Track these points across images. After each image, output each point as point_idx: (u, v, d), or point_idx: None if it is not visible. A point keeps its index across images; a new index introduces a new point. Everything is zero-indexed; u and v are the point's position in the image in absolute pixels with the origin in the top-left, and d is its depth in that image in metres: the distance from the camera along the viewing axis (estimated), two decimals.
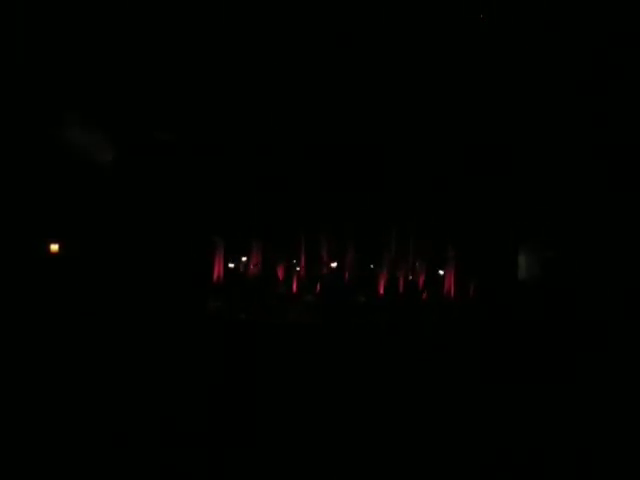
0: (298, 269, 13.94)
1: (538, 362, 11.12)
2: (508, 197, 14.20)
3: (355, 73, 14.40)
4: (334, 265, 14.15)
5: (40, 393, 9.13)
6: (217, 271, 13.66)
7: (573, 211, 14.00)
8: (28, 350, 10.60)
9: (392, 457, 8.01)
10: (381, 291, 13.69)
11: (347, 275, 13.97)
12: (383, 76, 14.38)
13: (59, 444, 7.87)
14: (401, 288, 13.75)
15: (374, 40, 14.44)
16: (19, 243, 13.10)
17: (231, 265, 13.92)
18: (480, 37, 14.51)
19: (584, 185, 14.05)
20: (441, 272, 13.80)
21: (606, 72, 14.02)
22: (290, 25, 14.43)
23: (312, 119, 14.34)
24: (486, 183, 14.26)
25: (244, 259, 14.04)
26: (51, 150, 13.77)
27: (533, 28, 14.25)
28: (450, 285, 13.72)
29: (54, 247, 13.27)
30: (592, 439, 8.56)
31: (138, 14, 14.15)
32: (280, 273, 13.84)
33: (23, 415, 8.48)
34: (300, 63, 14.34)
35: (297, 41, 14.42)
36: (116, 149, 14.03)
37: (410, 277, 13.92)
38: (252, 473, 7.50)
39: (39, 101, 13.85)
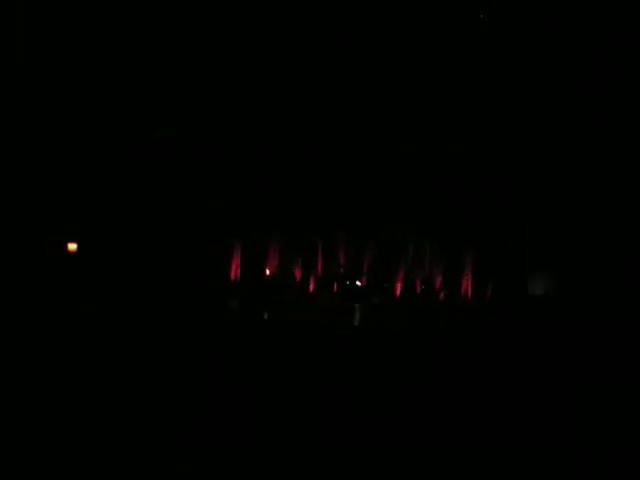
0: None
1: (550, 365, 11.15)
2: (516, 200, 14.23)
3: (360, 74, 14.40)
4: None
5: (61, 389, 9.15)
6: (234, 271, 13.70)
7: (577, 212, 14.03)
8: (43, 347, 10.62)
9: (401, 457, 8.02)
10: (397, 293, 13.74)
11: (364, 278, 14.03)
12: (389, 77, 14.38)
13: (74, 440, 7.87)
14: (417, 291, 13.79)
15: (374, 40, 14.44)
16: (22, 240, 13.12)
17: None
18: (480, 37, 14.52)
19: (585, 185, 14.07)
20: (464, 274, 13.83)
21: (606, 72, 14.05)
22: (290, 25, 14.43)
23: (329, 123, 14.35)
24: (495, 185, 14.29)
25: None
26: (52, 149, 13.77)
27: (533, 28, 14.27)
28: (467, 288, 13.76)
29: (72, 246, 13.28)
30: (596, 440, 8.59)
31: (138, 14, 14.14)
32: (297, 274, 13.87)
33: (38, 409, 8.49)
34: (308, 64, 14.34)
35: (297, 41, 14.42)
36: (124, 149, 14.02)
37: (426, 280, 13.94)
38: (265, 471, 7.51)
39: (39, 101, 13.83)
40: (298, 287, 13.89)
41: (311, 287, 13.88)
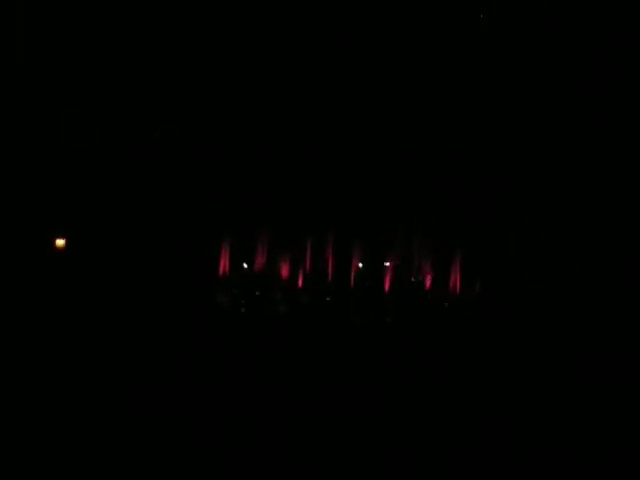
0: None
1: (543, 360, 11.16)
2: (511, 196, 14.22)
3: (358, 73, 14.40)
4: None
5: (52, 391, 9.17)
6: (222, 267, 13.73)
7: (574, 211, 14.01)
8: (36, 346, 10.64)
9: (393, 456, 8.02)
10: (386, 290, 13.75)
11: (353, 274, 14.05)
12: (387, 76, 14.38)
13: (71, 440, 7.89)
14: (406, 287, 13.81)
15: (374, 40, 14.44)
16: (22, 240, 13.14)
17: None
18: (480, 37, 14.51)
19: (584, 185, 14.06)
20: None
21: (606, 72, 14.03)
22: (290, 25, 14.43)
23: (319, 119, 14.35)
24: (488, 182, 14.28)
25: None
26: (52, 149, 13.77)
27: (533, 28, 14.25)
28: (455, 283, 13.77)
29: (60, 242, 13.30)
30: (594, 439, 8.58)
31: (139, 14, 14.14)
32: (284, 272, 13.89)
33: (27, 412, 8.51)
34: (302, 63, 14.34)
35: (297, 41, 14.42)
36: (117, 149, 14.03)
37: (414, 276, 13.96)
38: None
39: (39, 101, 13.84)
40: (286, 283, 13.93)
41: (299, 284, 13.95)
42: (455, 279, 13.88)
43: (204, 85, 14.45)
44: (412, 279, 14.04)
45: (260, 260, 13.93)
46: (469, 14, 14.60)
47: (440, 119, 14.40)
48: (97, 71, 14.15)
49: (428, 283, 14.00)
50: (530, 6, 14.17)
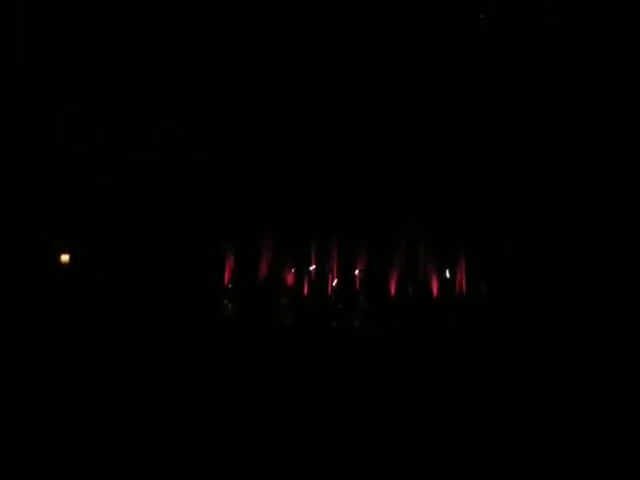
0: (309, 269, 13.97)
1: (546, 362, 11.17)
2: (512, 197, 14.24)
3: (359, 73, 14.42)
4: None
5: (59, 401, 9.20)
6: (227, 275, 13.74)
7: (575, 211, 14.03)
8: (41, 358, 10.67)
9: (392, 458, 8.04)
10: (392, 292, 13.78)
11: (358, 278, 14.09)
12: (387, 76, 14.40)
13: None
14: (412, 289, 13.85)
15: (374, 40, 14.45)
16: (23, 248, 13.16)
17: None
18: (480, 37, 14.53)
19: (584, 185, 14.07)
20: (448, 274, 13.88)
21: (606, 72, 14.04)
22: (290, 26, 14.45)
23: (323, 121, 14.36)
24: (490, 182, 14.30)
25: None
26: (52, 151, 13.79)
27: (533, 28, 14.26)
28: (461, 284, 13.79)
29: (65, 258, 13.33)
30: (595, 439, 8.60)
31: (138, 14, 14.16)
32: (289, 278, 13.90)
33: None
34: (305, 64, 14.35)
35: (298, 41, 14.43)
36: (118, 149, 14.04)
37: (420, 278, 13.99)
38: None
39: (39, 101, 13.86)
40: (292, 290, 13.96)
41: (305, 290, 13.99)
42: (461, 281, 13.91)
43: (204, 85, 14.46)
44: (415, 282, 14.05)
45: (264, 267, 13.95)
46: (469, 14, 14.60)
47: (441, 121, 14.41)
48: (97, 71, 14.16)
49: (434, 286, 14.03)
50: (530, 6, 14.18)
